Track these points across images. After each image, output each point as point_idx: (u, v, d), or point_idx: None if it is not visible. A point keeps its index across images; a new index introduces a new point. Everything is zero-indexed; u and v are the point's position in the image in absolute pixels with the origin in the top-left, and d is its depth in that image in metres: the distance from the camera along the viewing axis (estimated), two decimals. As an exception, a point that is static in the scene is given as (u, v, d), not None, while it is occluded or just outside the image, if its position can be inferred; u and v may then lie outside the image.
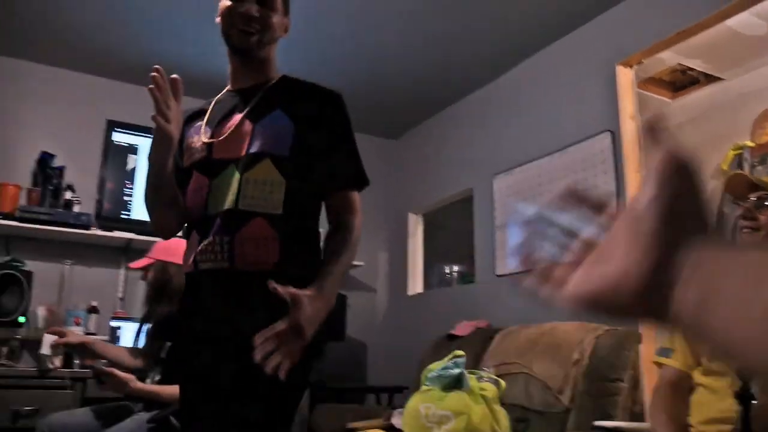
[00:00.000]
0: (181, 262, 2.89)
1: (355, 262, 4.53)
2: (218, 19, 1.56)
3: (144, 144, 4.09)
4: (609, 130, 3.19)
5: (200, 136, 1.55)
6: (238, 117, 1.54)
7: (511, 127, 3.92)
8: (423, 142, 4.87)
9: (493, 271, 3.87)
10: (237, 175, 1.46)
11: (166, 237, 1.66)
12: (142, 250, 3.35)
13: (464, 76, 4.08)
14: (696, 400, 1.83)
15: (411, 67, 4.00)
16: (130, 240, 3.77)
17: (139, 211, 3.98)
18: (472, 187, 4.19)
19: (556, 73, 3.62)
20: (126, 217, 3.88)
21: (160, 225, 1.60)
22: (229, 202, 1.44)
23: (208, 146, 1.53)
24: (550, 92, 3.65)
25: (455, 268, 4.58)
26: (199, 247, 1.46)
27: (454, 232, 4.78)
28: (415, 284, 4.78)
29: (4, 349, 3.36)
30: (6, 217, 3.46)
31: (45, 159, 3.75)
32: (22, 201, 3.62)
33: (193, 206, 1.52)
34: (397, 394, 3.94)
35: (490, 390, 2.47)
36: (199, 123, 1.58)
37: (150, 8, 3.37)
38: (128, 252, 3.85)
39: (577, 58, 3.49)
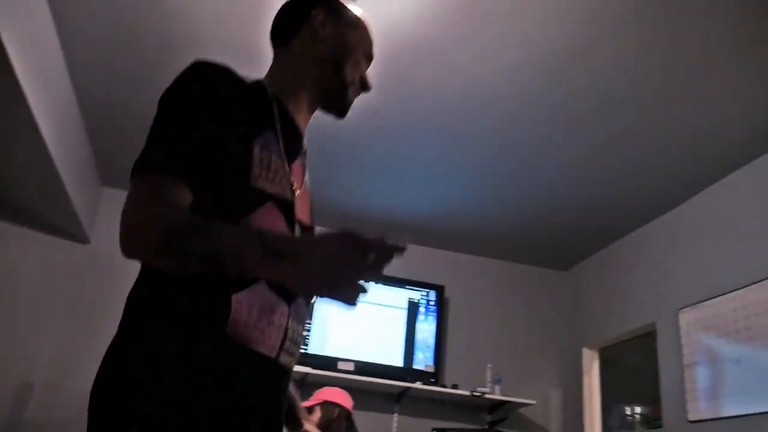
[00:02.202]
0: (349, 406, 3.13)
1: (526, 400, 4.31)
2: (333, 52, 1.24)
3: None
4: (816, 260, 2.88)
5: (281, 160, 1.10)
6: (299, 167, 1.19)
7: (697, 257, 3.66)
8: (597, 274, 4.68)
9: (684, 417, 3.49)
10: None
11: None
12: (316, 385, 3.48)
13: (644, 203, 3.93)
14: None
15: (583, 197, 3.94)
16: (306, 374, 3.89)
17: (315, 346, 4.16)
18: (655, 320, 3.90)
19: (748, 198, 3.37)
20: (303, 350, 4.04)
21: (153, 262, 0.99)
22: None
23: (292, 193, 1.12)
24: (742, 218, 3.39)
25: (638, 410, 4.19)
26: (289, 328, 1.07)
27: (635, 370, 4.42)
28: (593, 426, 4.42)
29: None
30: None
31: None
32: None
33: None
34: None
35: None
36: (271, 134, 1.10)
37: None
38: (304, 386, 3.96)
39: (769, 182, 3.25)
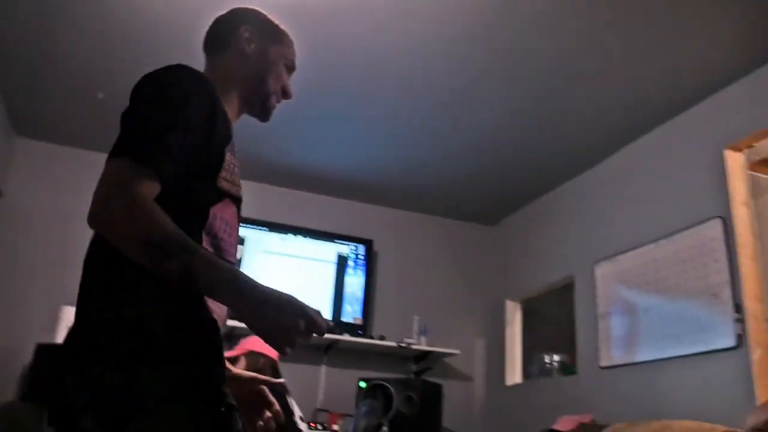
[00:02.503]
0: (274, 355, 3.14)
1: (451, 350, 4.45)
2: (260, 67, 1.38)
3: (251, 236, 4.29)
4: (719, 217, 3.05)
5: (236, 161, 1.27)
6: None
7: (613, 213, 3.82)
8: (521, 229, 4.83)
9: (596, 363, 3.69)
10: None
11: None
12: (244, 337, 3.47)
13: (564, 162, 4.06)
14: None
15: (508, 154, 4.03)
16: (234, 327, 3.88)
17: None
18: (573, 274, 4.08)
19: (659, 158, 3.54)
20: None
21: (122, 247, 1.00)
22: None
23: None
24: (653, 177, 3.55)
25: (556, 357, 4.40)
26: None
27: (554, 320, 4.63)
28: (514, 374, 4.63)
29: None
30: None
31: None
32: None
33: (225, 240, 1.20)
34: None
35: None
36: (231, 139, 1.26)
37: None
38: (232, 338, 3.96)
39: (681, 143, 3.39)
